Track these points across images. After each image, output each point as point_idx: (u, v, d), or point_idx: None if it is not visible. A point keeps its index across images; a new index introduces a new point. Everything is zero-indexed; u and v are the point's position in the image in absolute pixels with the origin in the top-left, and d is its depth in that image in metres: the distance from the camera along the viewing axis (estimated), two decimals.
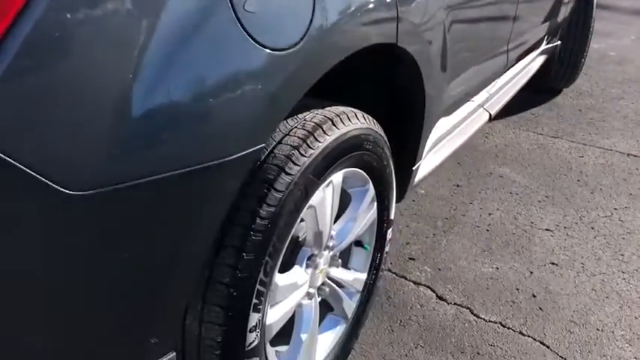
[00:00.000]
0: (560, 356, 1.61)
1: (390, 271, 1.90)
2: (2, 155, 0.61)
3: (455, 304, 1.78)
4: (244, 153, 0.85)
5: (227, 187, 0.86)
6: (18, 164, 0.62)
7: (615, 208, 2.36)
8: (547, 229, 2.19)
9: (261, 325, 1.07)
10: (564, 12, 2.94)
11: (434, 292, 1.83)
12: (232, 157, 0.83)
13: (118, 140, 0.69)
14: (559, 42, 3.16)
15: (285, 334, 1.28)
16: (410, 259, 1.97)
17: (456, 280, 1.88)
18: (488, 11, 1.91)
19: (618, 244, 2.12)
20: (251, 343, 1.05)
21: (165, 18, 0.71)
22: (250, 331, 1.03)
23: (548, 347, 1.64)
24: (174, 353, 0.92)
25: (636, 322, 1.75)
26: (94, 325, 0.76)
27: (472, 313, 1.75)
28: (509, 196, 2.40)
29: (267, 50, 0.84)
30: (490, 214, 2.26)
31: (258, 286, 1.01)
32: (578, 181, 2.56)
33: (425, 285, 1.85)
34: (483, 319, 1.73)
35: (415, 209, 2.27)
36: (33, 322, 0.72)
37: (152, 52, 0.71)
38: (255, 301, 1.01)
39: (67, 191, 0.66)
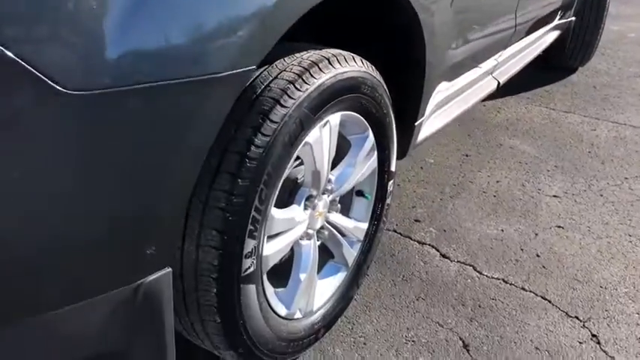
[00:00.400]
0: (562, 310, 1.63)
1: (394, 231, 1.93)
2: (13, 56, 0.66)
3: (458, 261, 1.80)
4: (234, 72, 0.89)
5: (216, 105, 0.90)
6: (24, 63, 0.67)
7: (626, 178, 2.35)
8: (555, 196, 2.20)
9: (258, 253, 1.11)
10: None
11: (438, 250, 1.85)
12: (222, 74, 0.87)
13: (114, 44, 0.74)
14: (573, 18, 3.14)
15: (285, 277, 1.32)
16: (415, 220, 2.00)
17: (461, 240, 1.90)
18: None
19: (626, 210, 2.12)
20: (247, 269, 1.09)
21: None
22: (246, 257, 1.07)
23: (549, 302, 1.66)
24: (170, 269, 0.96)
25: None
26: (91, 227, 0.81)
27: (475, 270, 1.77)
28: (518, 166, 2.40)
29: None
30: (498, 182, 2.27)
31: (253, 213, 1.05)
32: (589, 152, 2.56)
33: (429, 244, 1.88)
34: (486, 276, 1.75)
35: (423, 176, 2.29)
36: (31, 222, 0.77)
37: None
38: (250, 227, 1.05)
39: (65, 90, 0.71)
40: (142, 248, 0.89)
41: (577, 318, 1.60)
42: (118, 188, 0.82)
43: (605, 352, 1.48)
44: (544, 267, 1.80)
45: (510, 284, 1.72)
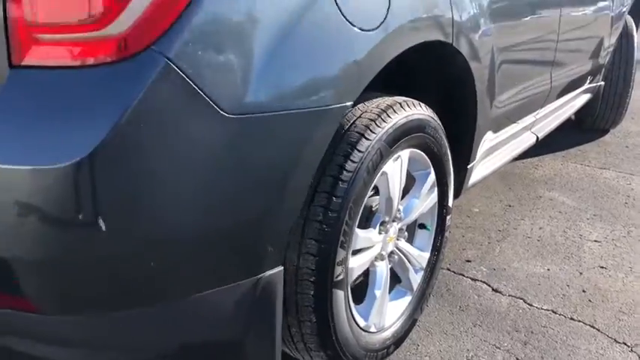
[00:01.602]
0: (611, 337, 1.76)
1: (448, 269, 2.10)
2: (192, 84, 0.90)
3: (509, 295, 1.96)
4: (337, 106, 1.13)
5: (325, 131, 1.13)
6: (201, 92, 0.91)
7: None
8: (595, 241, 2.35)
9: (346, 263, 1.31)
10: (605, 54, 3.18)
11: (489, 286, 2.01)
12: (330, 106, 1.11)
13: (261, 80, 0.99)
14: (602, 83, 3.38)
15: (362, 296, 1.51)
16: (467, 261, 2.17)
17: (510, 277, 2.06)
18: (532, 43, 2.18)
19: None
20: (338, 276, 1.28)
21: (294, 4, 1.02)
22: (338, 264, 1.27)
23: (598, 330, 1.79)
24: (282, 268, 1.17)
25: None
26: (234, 224, 1.03)
27: (525, 302, 1.92)
28: (558, 214, 2.57)
29: (357, 29, 1.14)
30: (540, 228, 2.44)
31: (344, 226, 1.25)
32: (626, 203, 2.72)
33: (481, 281, 2.04)
34: (536, 307, 1.89)
35: (470, 223, 2.47)
36: (192, 217, 0.99)
37: (280, 25, 1.01)
38: (341, 239, 1.26)
39: (223, 112, 0.95)
40: (264, 246, 1.11)
41: (625, 344, 1.73)
42: (253, 193, 1.04)
43: None
44: (590, 301, 1.94)
45: (559, 314, 1.86)
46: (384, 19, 1.20)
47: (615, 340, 1.75)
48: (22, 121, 0.88)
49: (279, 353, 1.25)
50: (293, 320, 1.29)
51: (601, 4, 2.94)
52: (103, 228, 0.90)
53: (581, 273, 2.11)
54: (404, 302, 1.65)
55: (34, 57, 0.88)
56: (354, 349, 1.41)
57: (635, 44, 3.54)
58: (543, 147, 3.21)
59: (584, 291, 2.00)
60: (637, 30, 3.64)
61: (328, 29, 1.09)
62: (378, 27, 1.19)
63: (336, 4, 1.10)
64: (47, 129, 0.88)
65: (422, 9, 1.36)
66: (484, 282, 2.03)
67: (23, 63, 0.88)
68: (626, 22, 3.44)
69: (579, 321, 1.83)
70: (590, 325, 1.81)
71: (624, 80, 3.48)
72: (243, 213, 1.04)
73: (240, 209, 1.04)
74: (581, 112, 3.54)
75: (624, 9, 3.36)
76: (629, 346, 1.72)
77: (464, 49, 1.56)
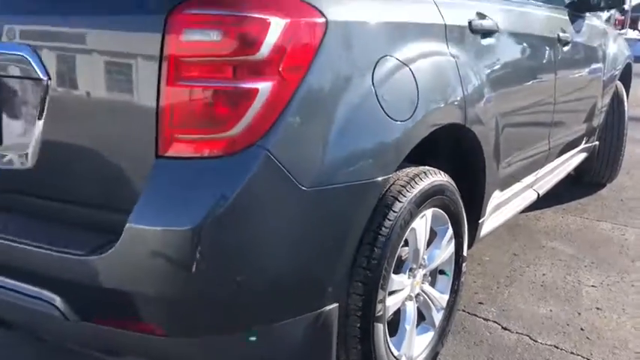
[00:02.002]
0: None
1: (463, 310, 2.40)
2: (277, 162, 1.26)
3: (517, 332, 2.26)
4: (382, 178, 1.49)
5: (372, 197, 1.49)
6: (284, 168, 1.27)
7: None
8: (592, 286, 2.66)
9: (384, 302, 1.64)
10: (598, 116, 3.56)
11: (499, 325, 2.32)
12: (378, 178, 1.47)
13: (327, 161, 1.34)
14: (597, 142, 3.74)
15: (394, 330, 1.82)
16: (479, 303, 2.48)
17: (517, 317, 2.37)
18: (531, 111, 2.56)
19: None
20: (379, 312, 1.61)
21: (351, 102, 1.39)
22: (378, 302, 1.60)
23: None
24: (338, 304, 1.49)
25: None
26: (308, 270, 1.37)
27: (531, 338, 2.22)
28: (559, 262, 2.89)
29: (392, 120, 1.50)
30: (543, 274, 2.75)
31: (383, 272, 1.59)
32: (620, 252, 3.03)
33: (492, 320, 2.35)
34: (540, 343, 2.19)
35: (481, 270, 2.79)
36: (273, 262, 1.33)
37: (343, 121, 1.38)
38: (381, 281, 1.59)
39: (302, 187, 1.31)
40: (326, 287, 1.44)
41: None
42: (321, 247, 1.39)
43: None
44: (588, 338, 2.24)
45: (561, 349, 2.16)
46: (413, 113, 1.57)
47: None
48: (162, 194, 1.24)
49: None
50: (342, 348, 1.60)
51: (593, 70, 3.34)
52: (212, 273, 1.24)
53: (579, 313, 2.41)
54: (428, 337, 1.96)
55: (173, 150, 1.24)
56: None
57: (626, 107, 3.92)
58: (545, 201, 3.54)
59: (582, 329, 2.30)
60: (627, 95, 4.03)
61: (375, 123, 1.46)
62: (409, 118, 1.56)
63: (381, 106, 1.46)
64: (179, 200, 1.24)
65: (440, 103, 1.73)
66: (494, 321, 2.34)
67: (166, 154, 1.24)
68: (616, 86, 3.83)
69: (578, 354, 2.13)
70: (587, 358, 2.11)
71: (617, 139, 3.84)
72: (313, 262, 1.38)
73: (310, 259, 1.38)
74: (579, 169, 3.88)
75: (615, 73, 3.76)
76: None
77: (474, 127, 1.92)
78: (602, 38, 3.61)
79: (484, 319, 2.36)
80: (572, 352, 2.14)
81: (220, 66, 1.21)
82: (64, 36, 1.33)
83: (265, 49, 1.23)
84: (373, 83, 1.46)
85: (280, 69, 1.25)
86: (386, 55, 1.53)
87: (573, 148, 3.39)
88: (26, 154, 1.41)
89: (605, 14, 24.57)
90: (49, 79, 1.32)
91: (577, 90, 3.12)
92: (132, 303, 1.27)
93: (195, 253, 1.22)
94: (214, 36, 1.20)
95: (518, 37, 2.36)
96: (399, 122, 1.52)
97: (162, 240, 1.22)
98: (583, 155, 3.59)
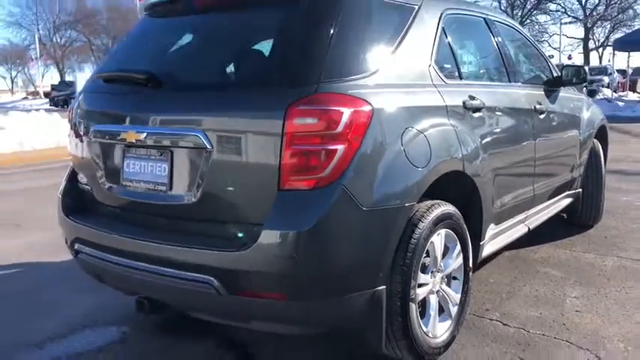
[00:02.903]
0: (580, 347, 2.80)
1: (473, 314, 3.17)
2: (348, 192, 2.12)
3: (514, 327, 3.02)
4: (410, 204, 2.34)
5: (405, 216, 2.33)
6: (352, 195, 2.13)
7: (624, 287, 3.56)
8: (575, 297, 3.42)
9: (416, 289, 2.44)
10: (578, 169, 4.40)
11: (501, 322, 3.08)
12: (407, 204, 2.32)
13: (378, 191, 2.21)
14: (580, 189, 4.57)
15: (424, 316, 2.61)
16: (486, 310, 3.25)
17: (515, 318, 3.13)
18: (515, 165, 3.41)
19: (622, 302, 3.31)
20: (412, 295, 2.41)
21: (389, 156, 2.27)
22: (412, 289, 2.40)
23: (571, 343, 2.84)
24: (385, 287, 2.31)
25: (631, 326, 2.92)
26: (369, 260, 2.21)
27: (525, 330, 2.98)
28: (550, 282, 3.66)
29: (415, 167, 2.37)
30: (537, 290, 3.52)
31: (413, 268, 2.40)
32: (599, 274, 3.79)
33: (496, 320, 3.11)
34: (532, 332, 2.95)
35: (487, 289, 3.56)
36: (350, 256, 2.17)
37: (387, 164, 2.25)
38: (412, 275, 2.40)
39: (363, 208, 2.17)
40: (378, 273, 2.27)
41: (589, 350, 2.77)
42: (376, 249, 2.23)
43: None
44: (567, 329, 2.99)
45: (547, 336, 2.92)
46: (428, 163, 2.44)
47: (581, 347, 2.79)
48: (282, 212, 2.11)
49: (385, 339, 2.36)
50: (389, 319, 2.39)
51: (570, 132, 4.23)
52: (313, 259, 2.09)
53: (563, 315, 3.17)
54: (447, 324, 2.74)
55: (287, 185, 2.11)
56: (421, 343, 2.50)
57: (602, 161, 4.77)
58: (541, 237, 4.35)
59: (564, 324, 3.06)
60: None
61: (404, 169, 2.33)
62: (425, 166, 2.43)
63: (406, 156, 2.34)
64: (292, 215, 2.10)
65: (446, 157, 2.60)
66: (498, 320, 3.11)
67: (283, 188, 2.12)
68: (593, 143, 4.69)
69: (559, 339, 2.88)
70: (566, 341, 2.86)
71: (596, 187, 4.67)
72: (369, 256, 2.22)
73: (368, 254, 2.22)
74: (569, 212, 4.70)
75: (592, 132, 4.63)
76: (592, 353, 2.76)
77: (471, 173, 2.78)
78: (578, 106, 4.51)
79: (489, 319, 3.13)
80: (555, 338, 2.90)
81: (316, 137, 2.11)
82: (223, 122, 2.25)
83: (340, 127, 2.12)
84: (402, 144, 2.34)
85: (348, 137, 2.14)
86: (408, 127, 2.42)
87: (558, 193, 4.22)
88: (193, 194, 2.29)
89: (606, 79, 25.61)
90: (212, 147, 2.22)
91: (555, 148, 4.00)
92: (264, 279, 2.11)
93: (303, 247, 2.08)
94: (312, 120, 2.10)
95: (500, 110, 3.26)
96: (419, 169, 2.39)
97: (283, 239, 2.08)
98: (569, 200, 4.41)
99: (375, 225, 2.23)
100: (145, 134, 2.37)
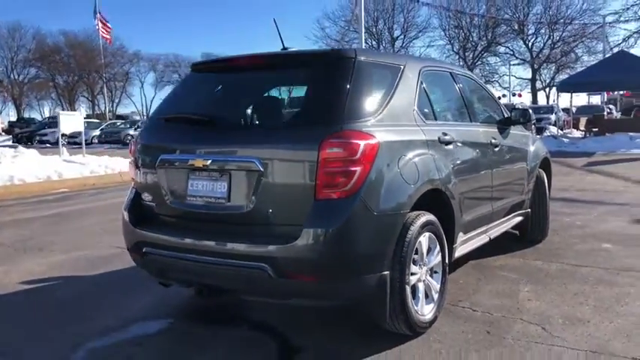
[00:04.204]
0: (530, 322, 3.67)
1: (450, 304, 4.02)
2: (364, 201, 2.98)
3: (481, 312, 3.89)
4: (404, 211, 3.20)
5: (401, 220, 3.19)
6: (366, 204, 2.99)
7: (563, 283, 4.48)
8: (527, 291, 4.32)
9: (409, 276, 3.28)
10: (527, 194, 5.38)
11: (470, 309, 3.94)
12: (403, 211, 3.18)
13: (385, 200, 3.07)
14: (529, 209, 5.53)
15: (414, 298, 3.44)
16: (459, 300, 4.11)
17: (481, 305, 3.99)
18: (476, 187, 4.33)
19: (562, 293, 4.22)
20: (408, 280, 3.25)
21: (390, 175, 3.14)
22: (407, 275, 3.25)
23: (523, 320, 3.71)
24: (389, 272, 3.14)
25: (567, 309, 3.82)
26: (381, 251, 3.05)
27: (489, 314, 3.84)
28: (507, 281, 4.55)
29: (408, 184, 3.25)
30: (497, 287, 4.41)
31: (408, 260, 3.25)
32: (545, 275, 4.71)
33: (467, 307, 3.97)
34: (493, 315, 3.82)
35: (459, 287, 4.42)
36: (368, 246, 3.00)
37: (390, 180, 3.12)
38: (407, 264, 3.25)
39: (374, 213, 3.02)
40: (385, 261, 3.11)
41: (536, 324, 3.65)
42: (383, 243, 3.08)
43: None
44: (520, 310, 3.87)
45: (505, 316, 3.79)
46: (417, 181, 3.32)
47: (531, 322, 3.67)
48: (318, 215, 2.94)
49: (389, 313, 3.18)
50: (391, 297, 3.21)
51: (519, 163, 5.21)
52: (341, 249, 2.93)
53: (518, 302, 4.06)
54: (430, 306, 3.58)
55: (321, 196, 2.96)
56: (413, 318, 3.33)
57: (547, 186, 5.77)
58: (499, 250, 5.27)
59: (518, 308, 3.94)
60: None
61: (400, 185, 3.20)
62: (415, 184, 3.30)
63: (401, 176, 3.21)
64: (325, 217, 2.94)
65: (428, 176, 3.49)
66: (468, 308, 3.97)
67: (318, 198, 2.95)
68: (539, 173, 5.69)
69: (513, 317, 3.75)
70: (520, 319, 3.74)
71: (542, 209, 5.66)
72: (379, 247, 3.07)
73: (378, 246, 3.06)
74: (521, 230, 5.65)
75: (537, 163, 5.63)
76: (539, 326, 3.63)
77: (445, 191, 3.68)
78: (525, 141, 5.51)
79: (462, 307, 3.99)
80: (511, 317, 3.78)
81: (341, 161, 2.96)
82: (272, 152, 3.08)
83: (358, 154, 2.99)
84: (398, 167, 3.22)
85: (363, 162, 3.01)
86: (402, 155, 3.30)
87: (512, 212, 5.17)
88: (248, 204, 3.09)
89: (553, 117, 27.40)
90: (264, 170, 3.05)
91: (508, 174, 4.96)
92: (304, 265, 2.92)
93: (333, 240, 2.91)
94: (339, 150, 2.96)
95: (465, 144, 4.19)
96: (411, 185, 3.27)
97: (319, 235, 2.91)
98: (520, 218, 5.37)
99: (382, 226, 3.08)
100: (210, 161, 3.18)
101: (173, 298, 4.33)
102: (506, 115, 5.19)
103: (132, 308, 4.16)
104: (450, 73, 4.51)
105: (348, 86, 3.18)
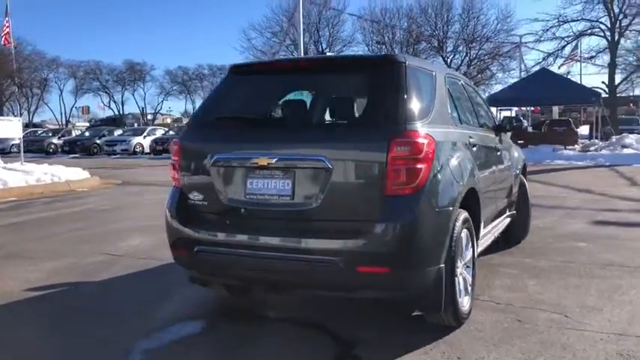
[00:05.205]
0: (553, 312, 3.97)
1: (476, 299, 4.26)
2: (428, 197, 3.15)
3: (504, 304, 4.15)
4: (457, 207, 3.41)
5: (454, 216, 3.38)
6: (430, 199, 3.17)
7: (562, 277, 4.85)
8: (533, 285, 4.64)
9: (458, 269, 3.48)
10: (514, 196, 5.75)
11: (492, 301, 4.20)
12: (453, 207, 3.39)
13: (442, 197, 3.26)
14: (515, 212, 5.92)
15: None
16: (478, 295, 4.35)
17: (500, 298, 4.26)
18: (491, 185, 4.61)
19: (565, 286, 4.58)
20: (457, 272, 3.45)
21: (447, 173, 3.34)
22: (456, 268, 3.44)
23: (544, 310, 4.01)
24: (444, 265, 3.32)
25: (578, 298, 4.16)
26: (439, 247, 3.23)
27: (512, 305, 4.12)
28: (512, 277, 4.86)
29: (457, 182, 3.46)
30: (505, 282, 4.71)
31: (458, 252, 3.46)
32: (541, 271, 5.08)
33: (489, 301, 4.23)
34: (507, 305, 4.09)
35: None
36: (428, 241, 3.17)
37: (445, 180, 3.32)
38: (459, 255, 3.45)
39: (435, 208, 3.20)
40: (442, 254, 3.29)
41: (558, 313, 3.95)
42: (441, 234, 3.26)
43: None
44: (531, 300, 4.17)
45: (515, 305, 4.07)
46: (463, 179, 3.54)
47: (554, 312, 3.97)
48: (389, 210, 3.09)
49: (444, 303, 3.36)
50: (446, 287, 3.39)
51: (510, 168, 5.58)
52: (410, 241, 3.09)
53: (530, 295, 4.36)
54: (467, 298, 3.80)
55: (390, 193, 3.10)
56: (459, 310, 3.54)
57: (528, 191, 6.20)
58: (489, 250, 5.59)
59: (534, 300, 4.23)
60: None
61: (452, 182, 3.41)
62: (463, 182, 3.52)
63: (452, 174, 3.41)
64: (395, 212, 3.09)
65: (469, 177, 3.71)
66: (490, 301, 4.23)
67: (387, 194, 3.10)
68: (521, 177, 6.11)
69: (537, 308, 4.05)
70: (541, 309, 4.03)
71: (524, 211, 6.07)
72: (438, 241, 3.25)
73: (437, 240, 3.24)
74: (504, 231, 6.02)
75: (520, 167, 6.04)
76: (562, 314, 3.94)
77: (477, 189, 3.92)
78: (510, 147, 5.91)
79: (483, 300, 4.24)
80: (533, 308, 4.06)
81: (409, 159, 3.12)
82: (341, 151, 3.19)
83: (423, 153, 3.17)
84: (450, 166, 3.43)
85: (427, 160, 3.19)
86: (451, 155, 3.53)
87: (505, 212, 5.52)
88: (314, 201, 3.18)
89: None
90: (332, 168, 3.15)
91: (505, 178, 5.32)
92: (376, 257, 3.05)
93: (404, 234, 3.06)
94: (406, 149, 3.12)
95: (482, 147, 4.47)
96: (460, 183, 3.48)
97: (391, 229, 3.05)
98: (509, 219, 5.74)
99: (441, 221, 3.27)
100: (276, 159, 3.24)
101: (203, 299, 4.31)
102: (497, 123, 5.55)
103: (166, 310, 4.10)
104: (460, 80, 4.80)
105: (404, 89, 3.35)
